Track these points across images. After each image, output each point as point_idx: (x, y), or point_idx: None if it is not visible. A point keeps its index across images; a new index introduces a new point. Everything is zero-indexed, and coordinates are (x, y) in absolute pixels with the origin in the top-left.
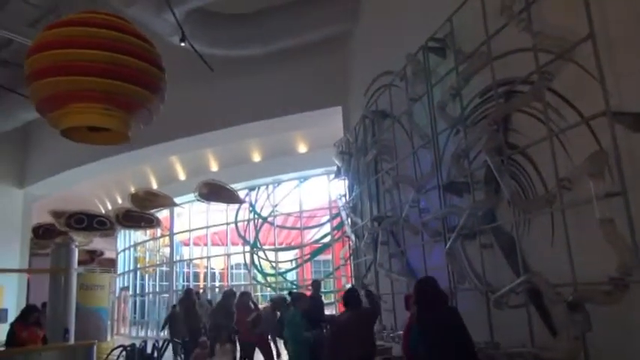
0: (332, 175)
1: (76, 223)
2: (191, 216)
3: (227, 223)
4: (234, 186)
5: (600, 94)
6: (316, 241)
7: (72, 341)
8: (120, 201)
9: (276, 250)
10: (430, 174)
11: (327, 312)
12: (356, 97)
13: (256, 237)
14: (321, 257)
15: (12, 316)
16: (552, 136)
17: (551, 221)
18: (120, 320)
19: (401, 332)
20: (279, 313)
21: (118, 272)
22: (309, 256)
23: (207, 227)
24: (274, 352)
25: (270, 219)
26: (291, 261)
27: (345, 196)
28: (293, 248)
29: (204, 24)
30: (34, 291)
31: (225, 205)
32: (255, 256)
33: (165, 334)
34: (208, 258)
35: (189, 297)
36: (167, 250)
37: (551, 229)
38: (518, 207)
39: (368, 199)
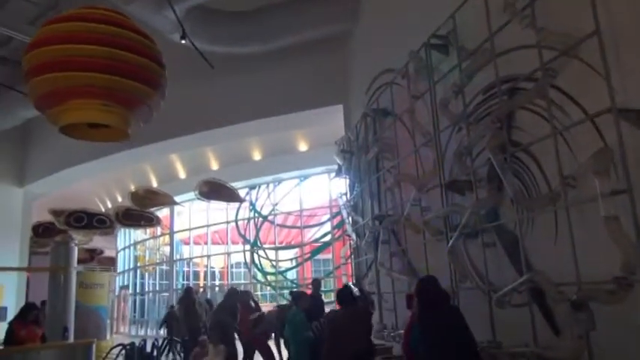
0: (332, 174)
1: (75, 221)
2: (191, 214)
3: (227, 222)
4: (235, 184)
5: (605, 91)
6: (316, 240)
7: (71, 340)
8: (120, 199)
9: (277, 249)
10: (432, 172)
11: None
12: (357, 96)
13: (256, 236)
14: (321, 256)
15: (11, 315)
16: (556, 134)
17: (555, 220)
18: (119, 319)
19: (402, 331)
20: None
21: (118, 271)
22: (309, 254)
23: (208, 226)
24: (276, 355)
25: (270, 218)
26: (291, 260)
27: (345, 194)
28: (293, 247)
29: (204, 21)
30: (34, 289)
31: (226, 203)
32: (255, 255)
33: (163, 332)
34: (208, 257)
35: (189, 296)
36: (167, 249)
37: (554, 227)
38: (522, 205)
39: (369, 197)
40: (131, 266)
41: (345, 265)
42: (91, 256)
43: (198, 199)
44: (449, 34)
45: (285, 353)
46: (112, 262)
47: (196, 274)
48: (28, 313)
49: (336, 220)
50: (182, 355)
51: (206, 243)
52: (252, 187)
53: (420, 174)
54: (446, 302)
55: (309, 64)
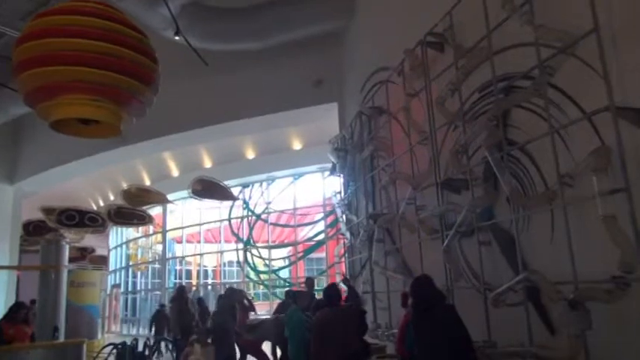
0: (326, 173)
1: (66, 219)
2: (184, 213)
3: (220, 220)
4: (228, 183)
5: (602, 89)
6: (310, 239)
7: (61, 339)
8: (112, 197)
9: (270, 248)
10: (427, 170)
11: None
12: (352, 94)
13: (250, 234)
14: (314, 255)
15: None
16: (553, 132)
17: (551, 218)
18: (111, 318)
19: (396, 330)
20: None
21: (110, 269)
22: (302, 253)
23: (201, 224)
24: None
25: (263, 216)
26: (284, 258)
27: (340, 193)
28: (286, 246)
29: (198, 18)
30: (24, 288)
31: (219, 202)
32: (248, 254)
33: (150, 332)
34: (201, 255)
35: (181, 295)
36: (159, 247)
37: (550, 226)
38: (518, 204)
39: (364, 196)
40: (123, 265)
41: (339, 263)
42: (83, 254)
43: (191, 197)
44: (445, 32)
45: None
46: (103, 260)
47: (189, 273)
48: (17, 312)
49: (329, 219)
50: (174, 354)
51: (199, 241)
52: (245, 186)
53: (416, 172)
54: (441, 302)
55: (303, 62)
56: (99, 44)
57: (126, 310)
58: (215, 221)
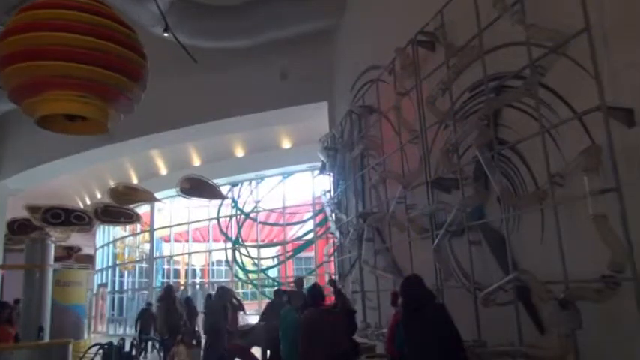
0: (316, 172)
1: (52, 218)
2: (172, 212)
3: (209, 219)
4: (217, 181)
5: (593, 88)
6: (299, 238)
7: (47, 339)
8: (99, 196)
9: (259, 247)
10: (418, 170)
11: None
12: (342, 92)
13: (238, 233)
14: (302, 254)
15: None
16: (544, 132)
17: (541, 218)
18: (97, 317)
19: (385, 330)
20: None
21: (96, 268)
22: (291, 252)
23: (189, 223)
24: None
25: (252, 215)
26: (273, 258)
27: (329, 192)
28: (275, 245)
29: (188, 15)
30: (8, 288)
31: (207, 200)
32: (237, 253)
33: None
34: (189, 254)
35: (169, 294)
36: (147, 246)
37: (541, 226)
38: (509, 203)
39: (354, 195)
40: (110, 264)
41: (328, 263)
42: (69, 253)
43: (180, 195)
44: (436, 31)
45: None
46: (90, 259)
47: (177, 272)
48: (1, 312)
49: (318, 218)
50: (161, 354)
51: (187, 240)
52: (234, 184)
53: (406, 171)
54: (431, 301)
55: (293, 60)
56: (86, 39)
57: (113, 310)
58: (203, 220)
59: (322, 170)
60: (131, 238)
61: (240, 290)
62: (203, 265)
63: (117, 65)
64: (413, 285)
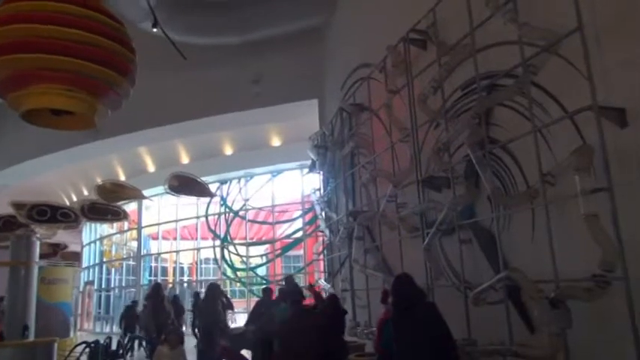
0: (305, 170)
1: (38, 214)
2: (160, 209)
3: (197, 217)
4: (205, 179)
5: (585, 88)
6: (288, 236)
7: (32, 338)
8: (86, 192)
9: (247, 245)
10: (409, 168)
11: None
12: (332, 90)
13: (227, 231)
14: (291, 252)
15: None
16: (536, 131)
17: (532, 217)
18: (84, 315)
19: (375, 329)
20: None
21: (83, 266)
22: (280, 251)
23: (177, 221)
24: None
25: (241, 213)
26: (261, 256)
27: (319, 190)
28: (264, 243)
29: (178, 11)
30: None
31: (196, 198)
32: (225, 251)
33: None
34: (177, 252)
35: (157, 293)
36: (134, 244)
37: (531, 225)
38: (500, 202)
39: (344, 193)
40: (97, 261)
41: (317, 261)
42: (55, 250)
43: (168, 193)
44: (428, 29)
45: None
46: (76, 256)
47: (164, 270)
48: None
49: (308, 217)
50: (148, 352)
51: (175, 238)
52: (223, 182)
53: (397, 170)
54: (422, 300)
55: (284, 58)
56: (71, 31)
57: (99, 308)
58: (192, 218)
59: (312, 168)
60: (118, 235)
61: (228, 288)
62: (191, 263)
63: (105, 59)
64: (403, 284)
